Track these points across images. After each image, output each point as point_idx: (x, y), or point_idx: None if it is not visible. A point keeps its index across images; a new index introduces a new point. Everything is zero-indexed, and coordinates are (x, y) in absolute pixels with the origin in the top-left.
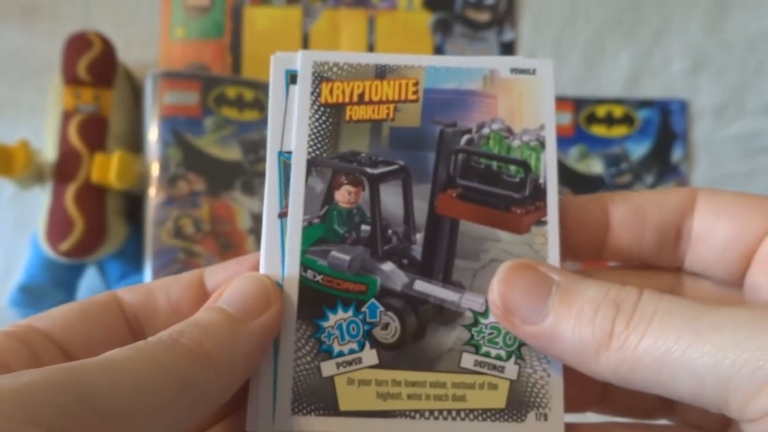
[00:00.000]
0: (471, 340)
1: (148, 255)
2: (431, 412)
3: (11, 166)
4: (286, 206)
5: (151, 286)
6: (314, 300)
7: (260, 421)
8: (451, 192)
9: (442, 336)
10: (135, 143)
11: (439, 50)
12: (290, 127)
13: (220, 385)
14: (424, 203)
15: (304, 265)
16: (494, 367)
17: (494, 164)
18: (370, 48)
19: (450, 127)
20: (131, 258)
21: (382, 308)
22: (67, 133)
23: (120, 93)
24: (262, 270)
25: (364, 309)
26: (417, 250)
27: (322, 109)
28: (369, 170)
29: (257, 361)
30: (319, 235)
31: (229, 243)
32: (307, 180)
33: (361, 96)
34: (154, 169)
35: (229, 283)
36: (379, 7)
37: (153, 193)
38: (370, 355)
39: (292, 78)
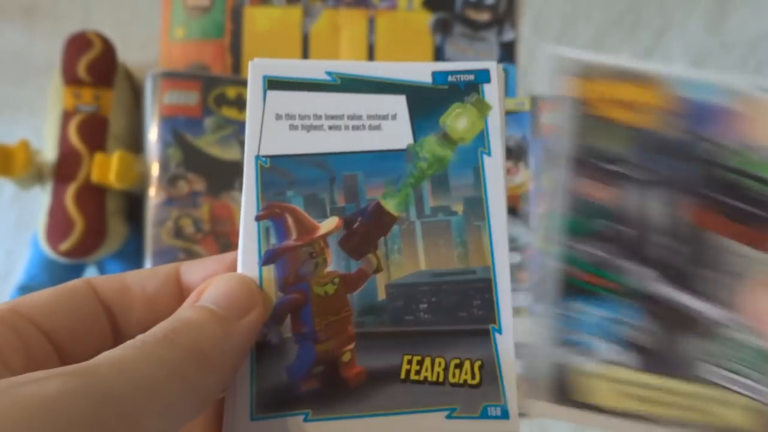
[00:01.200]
0: (722, 353)
1: (148, 255)
2: (678, 419)
3: (11, 166)
4: (264, 209)
5: (125, 277)
6: (572, 294)
7: (236, 422)
8: (708, 206)
9: (692, 345)
10: (135, 143)
11: (439, 50)
12: (268, 130)
13: (215, 384)
14: (679, 213)
15: (563, 260)
16: (745, 386)
17: (753, 183)
18: (370, 48)
19: (708, 142)
20: (131, 258)
21: (637, 311)
22: (67, 133)
23: (120, 93)
24: (239, 271)
25: (619, 309)
26: (671, 259)
27: (577, 104)
28: (635, 175)
29: (243, 360)
30: (574, 229)
31: (229, 243)
32: (560, 176)
33: (618, 99)
34: (154, 169)
35: (210, 282)
36: (379, 7)
37: (153, 193)
38: (623, 356)
39: (269, 84)
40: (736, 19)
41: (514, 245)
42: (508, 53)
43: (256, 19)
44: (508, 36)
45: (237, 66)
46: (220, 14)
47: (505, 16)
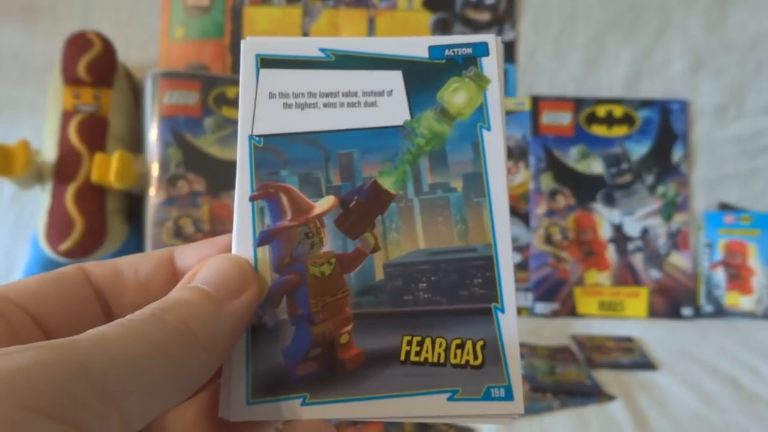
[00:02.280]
0: None
1: None
2: None
3: (11, 166)
4: (258, 189)
5: (118, 262)
6: None
7: (232, 407)
8: None
9: None
10: (135, 143)
11: None
12: (262, 109)
13: (205, 364)
14: None
15: None
16: None
17: None
18: None
19: None
20: None
21: None
22: (66, 133)
23: (120, 93)
24: (233, 253)
25: None
26: None
27: None
28: None
29: (236, 342)
30: None
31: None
32: None
33: None
34: (154, 169)
35: (203, 264)
36: (379, 6)
37: (153, 193)
38: None
39: (262, 62)
40: (736, 19)
41: (514, 245)
42: (508, 53)
43: (255, 18)
44: (508, 36)
45: (237, 66)
46: (219, 14)
47: (505, 16)
